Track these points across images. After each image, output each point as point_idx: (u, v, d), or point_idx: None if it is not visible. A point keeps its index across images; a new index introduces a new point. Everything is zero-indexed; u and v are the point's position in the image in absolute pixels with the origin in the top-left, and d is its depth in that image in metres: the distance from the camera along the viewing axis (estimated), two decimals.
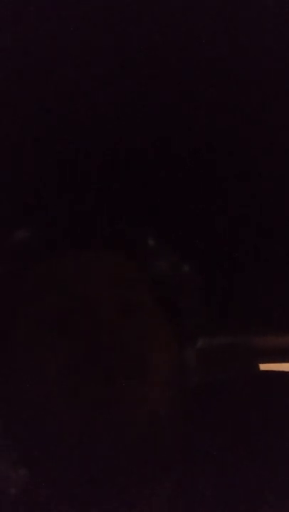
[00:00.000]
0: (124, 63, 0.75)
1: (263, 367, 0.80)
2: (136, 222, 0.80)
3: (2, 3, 0.72)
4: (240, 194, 0.79)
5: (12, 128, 0.76)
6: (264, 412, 0.75)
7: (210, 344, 0.79)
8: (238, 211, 0.80)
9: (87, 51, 0.75)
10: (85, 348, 0.71)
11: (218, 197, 0.79)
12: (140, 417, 0.71)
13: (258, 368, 0.80)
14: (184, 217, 0.80)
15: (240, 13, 0.74)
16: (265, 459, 0.73)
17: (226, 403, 0.75)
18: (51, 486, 0.69)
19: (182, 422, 0.73)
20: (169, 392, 0.73)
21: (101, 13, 0.74)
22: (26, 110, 0.76)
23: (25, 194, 0.78)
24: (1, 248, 0.78)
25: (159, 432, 0.71)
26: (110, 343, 0.72)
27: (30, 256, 0.77)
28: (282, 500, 0.71)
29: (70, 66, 0.75)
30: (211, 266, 0.80)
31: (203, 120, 0.77)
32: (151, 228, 0.80)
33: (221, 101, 0.77)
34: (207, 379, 0.78)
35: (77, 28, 0.74)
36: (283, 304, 0.80)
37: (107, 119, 0.77)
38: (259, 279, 0.80)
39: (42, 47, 0.74)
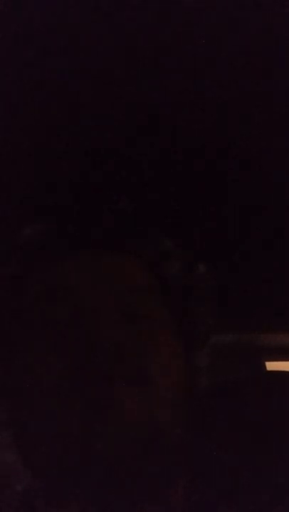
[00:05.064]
0: (125, 63, 0.76)
1: (270, 366, 0.80)
2: (147, 223, 0.80)
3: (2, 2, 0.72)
4: (251, 195, 0.80)
5: (16, 129, 0.76)
6: (272, 412, 0.75)
7: (218, 344, 0.79)
8: (247, 212, 0.80)
9: (87, 51, 0.75)
10: (86, 348, 0.71)
11: (229, 198, 0.80)
12: (142, 420, 0.70)
13: (265, 367, 0.80)
14: (193, 219, 0.80)
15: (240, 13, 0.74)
16: (271, 457, 0.73)
17: (234, 403, 0.75)
18: (52, 488, 0.69)
19: (188, 425, 0.73)
20: (174, 393, 0.73)
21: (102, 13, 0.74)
22: (28, 111, 0.76)
23: (33, 197, 0.78)
24: (8, 250, 0.78)
25: (162, 436, 0.70)
26: (113, 343, 0.71)
27: (36, 258, 0.77)
28: None
29: (70, 66, 0.75)
30: (221, 267, 0.80)
31: (217, 119, 0.77)
32: (162, 229, 0.80)
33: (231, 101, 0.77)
34: (216, 379, 0.78)
35: (77, 28, 0.74)
36: None
37: (116, 117, 0.77)
38: (268, 278, 0.80)
39: (42, 45, 0.74)
